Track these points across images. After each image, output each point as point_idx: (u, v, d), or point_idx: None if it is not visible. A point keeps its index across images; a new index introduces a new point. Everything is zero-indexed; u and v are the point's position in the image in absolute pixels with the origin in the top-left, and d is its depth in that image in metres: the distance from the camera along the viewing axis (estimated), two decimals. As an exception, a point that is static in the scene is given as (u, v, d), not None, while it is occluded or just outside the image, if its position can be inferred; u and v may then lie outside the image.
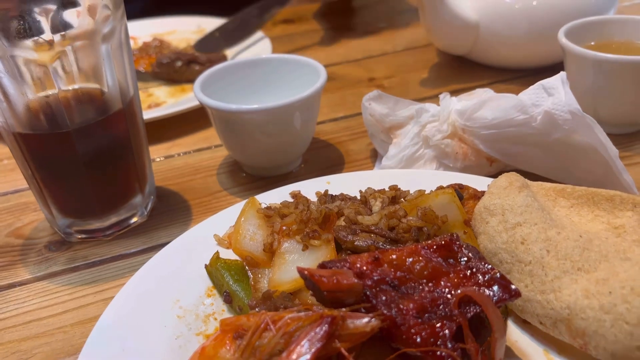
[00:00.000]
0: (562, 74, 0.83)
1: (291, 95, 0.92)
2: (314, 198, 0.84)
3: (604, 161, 0.82)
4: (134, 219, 0.93)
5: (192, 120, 1.21)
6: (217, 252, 0.75)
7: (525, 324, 0.66)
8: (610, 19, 1.11)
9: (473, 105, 0.88)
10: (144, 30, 1.65)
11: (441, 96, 0.92)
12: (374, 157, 1.06)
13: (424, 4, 1.20)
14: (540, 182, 0.77)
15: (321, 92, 0.97)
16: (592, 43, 1.09)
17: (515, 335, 0.65)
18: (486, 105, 0.87)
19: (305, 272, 0.57)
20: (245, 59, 1.09)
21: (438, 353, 0.53)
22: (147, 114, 1.15)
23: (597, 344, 0.57)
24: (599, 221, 0.70)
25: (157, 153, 1.14)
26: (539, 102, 0.83)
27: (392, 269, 0.61)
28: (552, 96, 0.82)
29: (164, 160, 1.12)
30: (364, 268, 0.60)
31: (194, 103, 1.18)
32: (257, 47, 1.46)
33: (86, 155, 0.82)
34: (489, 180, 0.83)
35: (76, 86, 0.80)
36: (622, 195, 0.71)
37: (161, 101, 1.29)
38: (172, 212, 0.96)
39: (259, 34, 1.53)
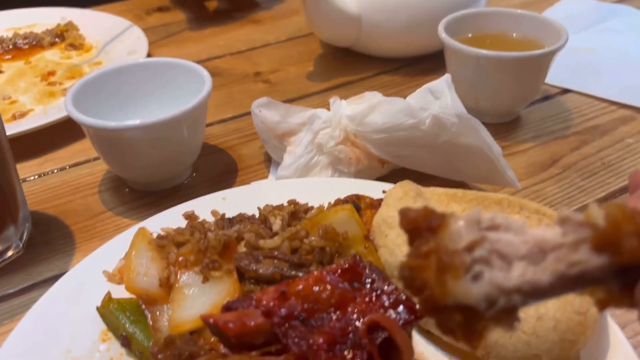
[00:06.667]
0: (447, 76, 0.85)
1: (175, 101, 0.87)
2: (209, 218, 0.80)
3: (489, 159, 0.85)
4: (9, 253, 0.83)
5: (66, 129, 1.07)
6: (109, 292, 0.69)
7: (429, 334, 0.68)
8: (485, 11, 1.15)
9: (363, 110, 0.87)
10: (-3, 23, 1.48)
11: (331, 101, 0.91)
12: (267, 162, 1.03)
13: (305, -2, 1.18)
14: (433, 188, 0.78)
15: (208, 100, 0.92)
16: (470, 35, 1.13)
17: (421, 346, 0.67)
18: (376, 109, 0.87)
19: (211, 320, 0.54)
20: (122, 64, 1.00)
21: (352, 386, 0.53)
22: (12, 128, 1.03)
23: (497, 353, 0.60)
24: (490, 225, 0.73)
25: (28, 171, 1.03)
26: (427, 106, 0.84)
27: (299, 301, 0.59)
28: (439, 99, 0.84)
29: (37, 179, 1.02)
30: (271, 304, 0.58)
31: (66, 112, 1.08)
32: (129, 39, 1.37)
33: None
34: (384, 185, 0.84)
35: None
36: (510, 198, 0.74)
37: (27, 109, 1.16)
38: (52, 240, 0.88)
39: (128, 24, 1.42)
